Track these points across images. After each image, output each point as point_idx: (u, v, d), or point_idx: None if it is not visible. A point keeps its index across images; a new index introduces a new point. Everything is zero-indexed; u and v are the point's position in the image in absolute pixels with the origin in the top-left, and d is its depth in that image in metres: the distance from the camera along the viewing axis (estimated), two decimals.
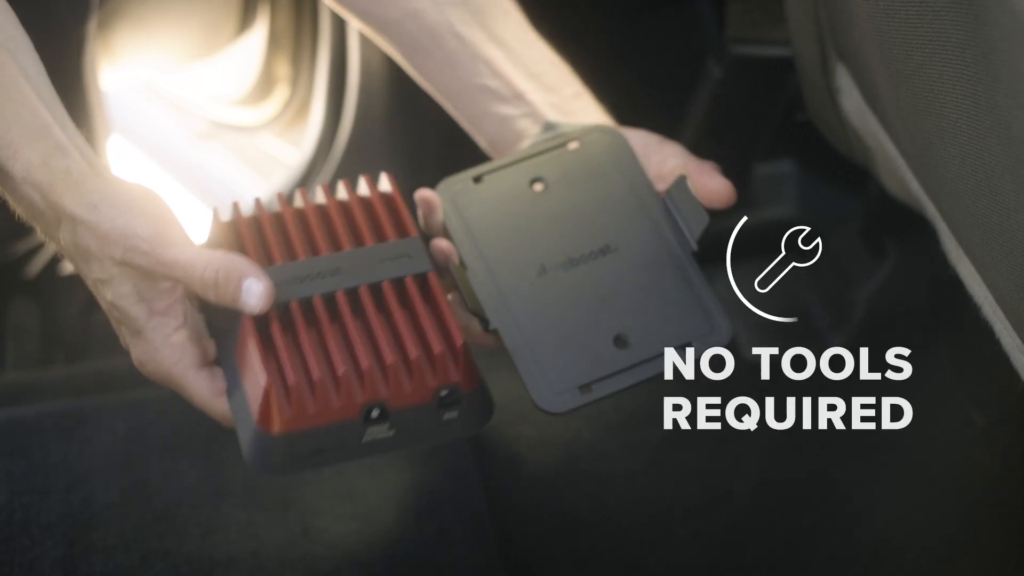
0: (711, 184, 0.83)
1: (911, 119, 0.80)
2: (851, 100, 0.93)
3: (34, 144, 0.73)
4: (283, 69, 1.48)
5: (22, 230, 1.30)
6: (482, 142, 0.91)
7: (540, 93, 0.88)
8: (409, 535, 1.03)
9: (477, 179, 0.85)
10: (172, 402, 1.12)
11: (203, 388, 0.76)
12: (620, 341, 0.78)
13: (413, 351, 0.74)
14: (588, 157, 0.86)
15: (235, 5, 1.44)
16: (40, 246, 1.31)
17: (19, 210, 0.76)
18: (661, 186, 0.84)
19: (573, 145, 0.86)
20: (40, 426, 1.07)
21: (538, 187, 0.85)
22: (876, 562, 1.07)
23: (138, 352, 0.76)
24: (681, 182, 0.82)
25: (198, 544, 1.00)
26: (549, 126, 0.87)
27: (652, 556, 1.06)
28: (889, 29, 0.77)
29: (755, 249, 1.35)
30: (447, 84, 0.90)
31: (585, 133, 0.87)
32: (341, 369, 0.72)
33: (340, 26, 1.39)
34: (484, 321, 0.79)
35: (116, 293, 0.74)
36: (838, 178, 1.35)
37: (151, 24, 1.37)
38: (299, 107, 1.47)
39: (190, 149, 1.81)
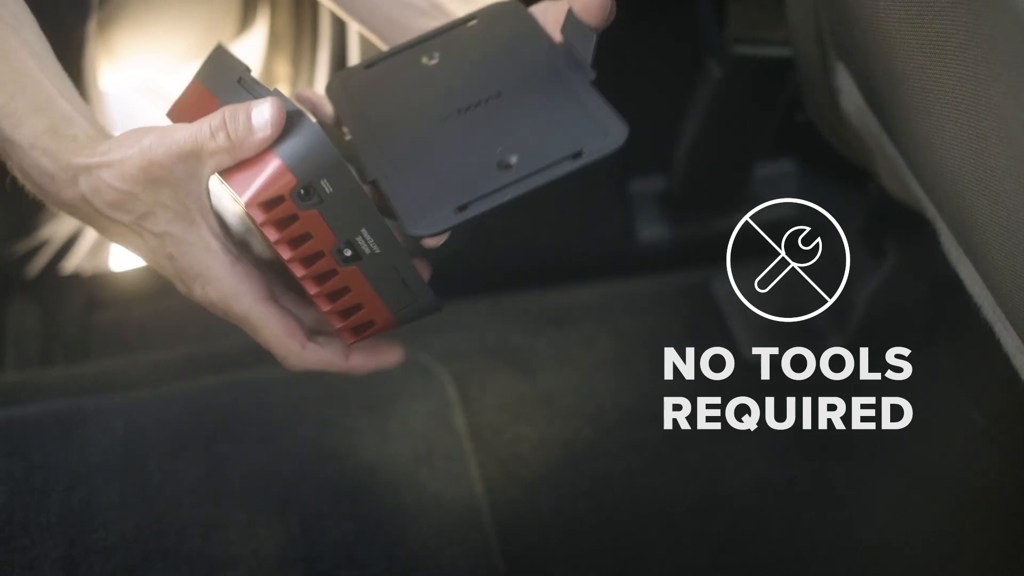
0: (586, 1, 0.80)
1: (911, 119, 0.80)
2: (851, 100, 0.93)
3: (39, 114, 0.72)
4: (283, 69, 1.48)
5: (22, 230, 1.30)
6: None
7: (458, 2, 0.87)
8: (409, 535, 1.03)
9: (368, 66, 0.84)
10: (172, 402, 1.12)
11: (278, 323, 0.75)
12: (503, 165, 0.74)
13: None
14: (485, 28, 0.84)
15: (235, 5, 1.44)
16: (40, 246, 1.31)
17: (27, 180, 0.74)
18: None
19: (471, 24, 0.84)
20: (40, 426, 1.07)
21: (432, 61, 0.83)
22: (876, 562, 1.07)
23: (204, 293, 0.74)
24: (568, 15, 0.80)
25: (198, 544, 1.00)
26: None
27: (652, 556, 1.06)
28: (889, 29, 0.77)
29: (755, 249, 1.35)
30: (366, 10, 0.88)
31: (483, 10, 0.85)
32: None
33: (340, 26, 1.39)
34: (362, 176, 0.77)
35: (165, 219, 0.72)
36: (838, 178, 1.35)
37: (151, 24, 1.37)
38: None
39: None
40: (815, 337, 1.23)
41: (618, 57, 1.34)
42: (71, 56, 1.11)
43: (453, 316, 1.23)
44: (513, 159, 0.73)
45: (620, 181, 1.38)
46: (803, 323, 1.25)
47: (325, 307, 0.73)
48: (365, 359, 0.77)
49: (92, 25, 1.11)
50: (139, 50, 1.37)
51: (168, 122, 0.76)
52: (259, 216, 0.69)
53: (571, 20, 0.80)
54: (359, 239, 0.71)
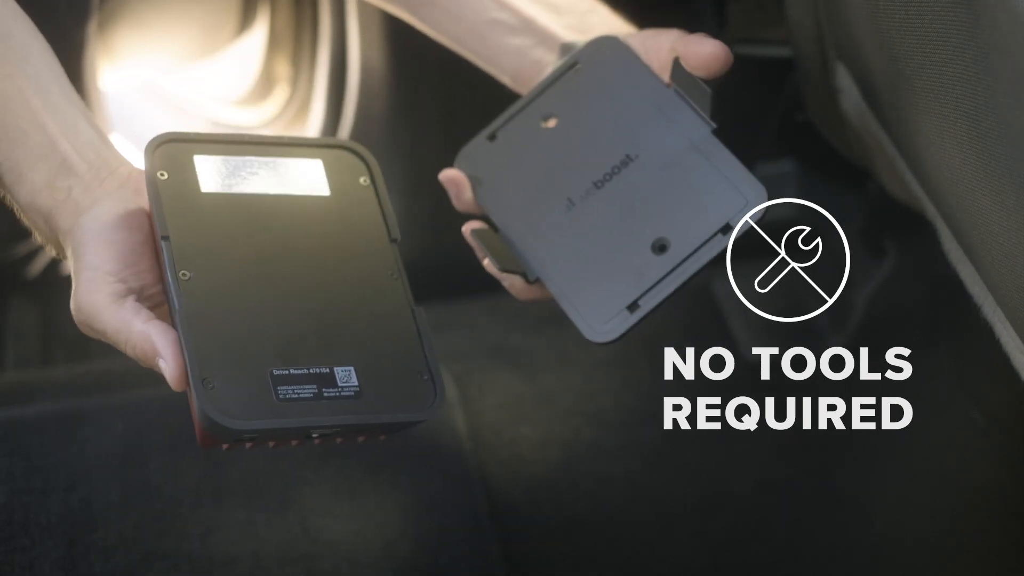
0: (702, 51, 0.79)
1: (911, 119, 0.80)
2: (851, 100, 0.92)
3: (38, 165, 0.73)
4: (283, 69, 1.48)
5: (23, 231, 1.30)
6: (506, 79, 0.89)
7: (550, 16, 0.86)
8: (409, 535, 1.03)
9: (491, 137, 0.84)
10: (172, 402, 1.12)
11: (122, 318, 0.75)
12: (658, 247, 0.76)
13: None
14: (592, 75, 0.83)
15: (235, 5, 1.44)
16: (40, 247, 1.31)
17: (27, 222, 0.76)
18: (667, 77, 0.82)
19: (576, 68, 0.84)
20: (40, 426, 1.07)
21: (550, 123, 0.82)
22: (876, 562, 1.07)
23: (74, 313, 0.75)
24: (676, 64, 0.80)
25: (198, 544, 1.00)
26: (566, 48, 0.85)
27: (652, 556, 1.06)
28: (889, 29, 0.77)
29: (755, 249, 1.35)
30: (456, 28, 0.88)
31: (585, 52, 0.84)
32: None
33: (340, 26, 1.39)
34: (524, 276, 0.78)
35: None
36: (838, 178, 1.34)
37: (151, 24, 1.37)
38: (299, 107, 1.47)
39: None
40: (815, 337, 1.23)
41: None
42: (71, 57, 1.11)
43: (453, 316, 1.23)
44: (667, 239, 0.75)
45: None
46: (803, 323, 1.25)
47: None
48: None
49: (92, 26, 1.11)
50: (139, 50, 1.37)
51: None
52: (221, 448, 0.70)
53: (679, 71, 0.80)
54: (315, 435, 0.71)
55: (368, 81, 1.37)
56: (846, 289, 1.22)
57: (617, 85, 0.82)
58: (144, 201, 0.73)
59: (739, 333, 1.23)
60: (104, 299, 0.72)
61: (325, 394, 0.68)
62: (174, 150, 0.74)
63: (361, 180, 0.76)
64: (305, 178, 0.75)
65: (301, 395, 0.68)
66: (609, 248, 0.76)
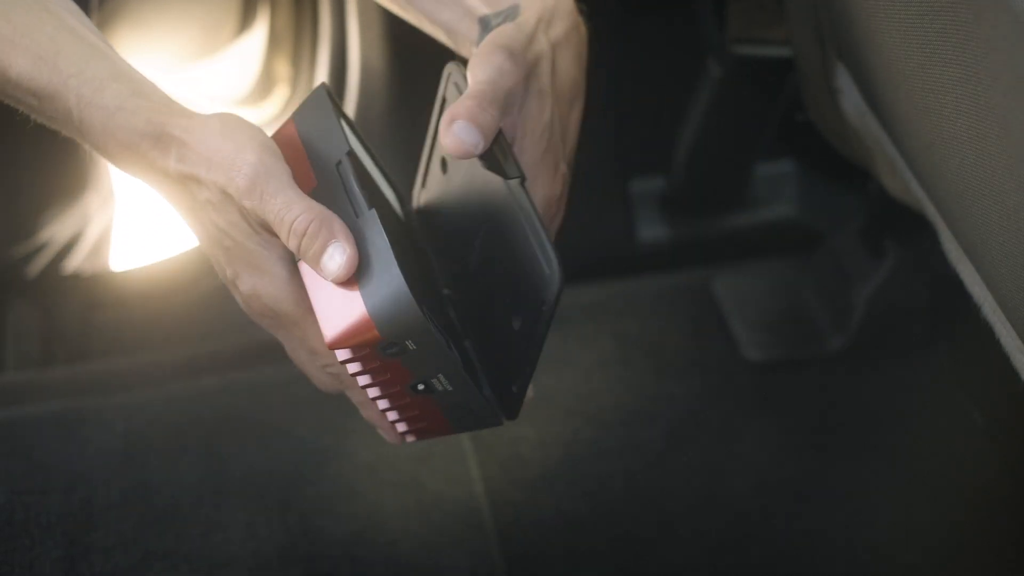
0: (444, 141, 0.75)
1: (911, 119, 0.80)
2: (851, 100, 0.93)
3: (119, 80, 0.70)
4: (283, 69, 1.48)
5: (23, 231, 1.30)
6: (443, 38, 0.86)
7: None
8: (409, 535, 1.03)
9: (427, 174, 0.83)
10: (172, 402, 1.12)
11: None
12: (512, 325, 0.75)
13: None
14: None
15: (235, 5, 1.44)
16: (40, 248, 1.31)
17: (109, 143, 0.70)
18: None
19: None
20: (40, 426, 1.07)
21: (444, 173, 0.81)
22: (876, 562, 1.07)
23: (253, 285, 0.71)
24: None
25: (198, 544, 1.00)
26: (483, 21, 0.81)
27: (652, 556, 1.06)
28: (889, 29, 0.77)
29: (755, 249, 1.35)
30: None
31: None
32: None
33: (340, 26, 1.39)
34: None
35: (227, 219, 0.70)
36: (838, 178, 1.35)
37: (151, 24, 1.37)
38: None
39: None
40: (815, 337, 1.23)
41: (618, 57, 1.34)
42: None
43: None
44: (516, 323, 0.74)
45: (620, 181, 1.38)
46: (803, 323, 1.25)
47: (391, 417, 0.73)
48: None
49: None
50: (139, 50, 1.37)
51: None
52: (339, 354, 0.69)
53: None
54: (434, 380, 0.71)
55: (368, 81, 1.37)
56: (846, 289, 1.22)
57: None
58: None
59: (739, 333, 1.23)
60: (277, 174, 0.68)
61: (465, 347, 0.74)
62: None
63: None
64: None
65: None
66: (493, 332, 0.76)
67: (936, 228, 0.85)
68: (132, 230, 1.44)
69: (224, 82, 1.51)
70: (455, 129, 0.70)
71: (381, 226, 0.69)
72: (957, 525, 1.08)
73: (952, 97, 0.72)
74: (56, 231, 1.31)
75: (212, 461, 1.06)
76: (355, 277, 0.68)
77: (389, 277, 0.68)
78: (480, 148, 0.71)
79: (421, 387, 0.71)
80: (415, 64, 1.35)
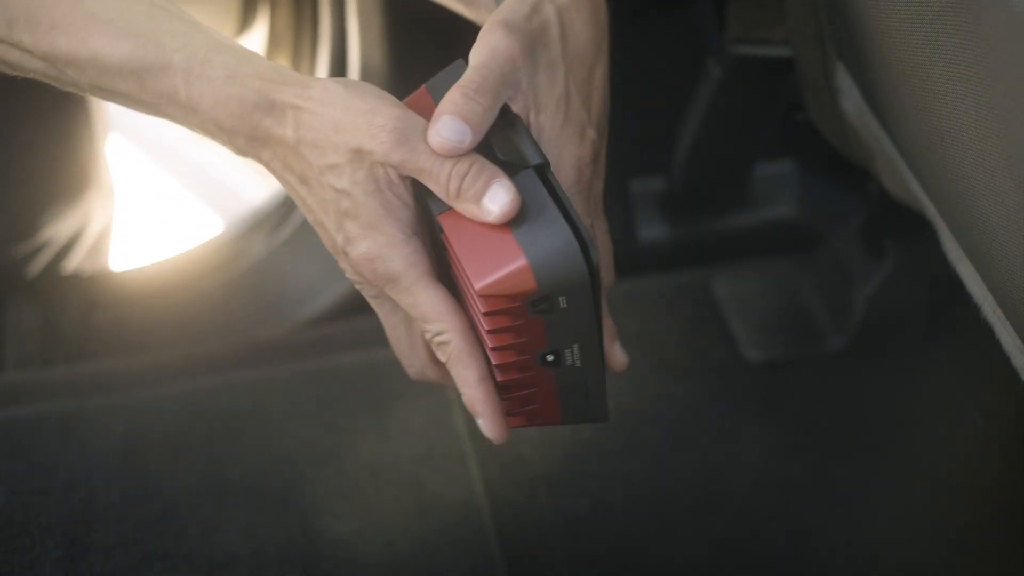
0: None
1: (911, 119, 0.80)
2: (851, 100, 0.93)
3: (217, 55, 0.68)
4: None
5: (23, 231, 1.30)
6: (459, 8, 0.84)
7: None
8: (409, 535, 1.03)
9: None
10: (172, 402, 1.12)
11: (438, 298, 0.70)
12: None
13: None
14: None
15: (235, 5, 1.44)
16: (40, 247, 1.31)
17: (219, 113, 0.68)
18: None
19: None
20: (40, 426, 1.07)
21: None
22: (876, 562, 1.07)
23: (368, 247, 0.69)
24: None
25: (198, 544, 1.00)
26: None
27: (652, 556, 1.06)
28: (889, 29, 0.77)
29: (755, 249, 1.35)
30: None
31: None
32: None
33: (340, 26, 1.39)
34: None
35: (351, 179, 0.68)
36: (838, 178, 1.35)
37: None
38: None
39: (190, 149, 1.81)
40: (815, 337, 1.23)
41: (618, 57, 1.34)
42: None
43: None
44: None
45: (620, 181, 1.38)
46: (803, 323, 1.25)
47: (505, 392, 0.70)
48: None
49: None
50: None
51: None
52: (486, 305, 0.66)
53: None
54: (567, 351, 0.69)
55: (368, 81, 1.37)
56: (846, 289, 1.22)
57: None
58: None
59: (739, 333, 1.23)
60: (423, 126, 0.67)
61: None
62: None
63: None
64: None
65: None
66: None
67: (936, 228, 0.85)
68: (132, 230, 1.44)
69: None
70: (437, 127, 0.67)
71: (540, 181, 0.67)
72: (957, 525, 1.08)
73: (952, 97, 0.72)
74: (56, 231, 1.31)
75: (212, 461, 1.06)
76: (511, 227, 0.66)
77: (552, 228, 0.65)
78: (468, 142, 0.68)
79: (551, 358, 0.68)
80: (415, 64, 1.35)
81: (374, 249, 0.69)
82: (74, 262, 1.35)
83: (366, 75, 1.37)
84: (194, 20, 0.70)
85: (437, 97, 0.70)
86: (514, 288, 0.65)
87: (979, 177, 0.72)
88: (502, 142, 0.69)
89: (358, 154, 0.67)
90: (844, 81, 0.92)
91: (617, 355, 0.74)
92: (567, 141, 0.74)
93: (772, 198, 1.39)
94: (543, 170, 0.69)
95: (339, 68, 1.39)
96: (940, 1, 0.69)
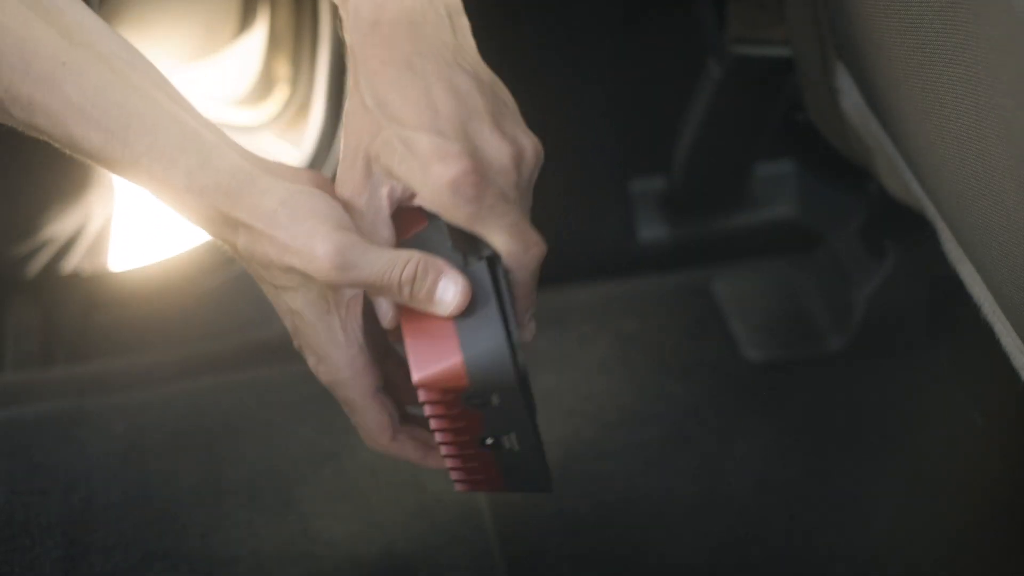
0: None
1: (911, 119, 0.80)
2: (851, 100, 0.93)
3: (185, 148, 0.69)
4: (283, 69, 1.48)
5: (23, 230, 1.30)
6: None
7: None
8: (409, 535, 1.03)
9: None
10: (172, 402, 1.12)
11: (374, 419, 0.75)
12: None
13: None
14: None
15: (235, 5, 1.44)
16: (40, 247, 1.31)
17: (186, 217, 0.71)
18: None
19: None
20: (40, 426, 1.07)
21: None
22: (876, 562, 1.07)
23: (315, 362, 0.74)
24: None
25: (198, 544, 1.00)
26: None
27: (652, 556, 1.06)
28: (889, 29, 0.77)
29: (755, 249, 1.35)
30: None
31: None
32: None
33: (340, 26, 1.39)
34: None
35: (303, 301, 0.71)
36: (838, 178, 1.35)
37: (151, 24, 1.37)
38: (299, 107, 1.47)
39: None
40: (815, 337, 1.23)
41: (618, 57, 1.34)
42: None
43: None
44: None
45: (620, 181, 1.38)
46: (803, 323, 1.25)
47: (450, 464, 0.74)
48: (441, 461, 0.77)
49: None
50: (139, 50, 1.37)
51: None
52: (423, 395, 0.70)
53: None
54: (504, 438, 0.72)
55: None
56: (846, 289, 1.22)
57: None
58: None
59: (739, 333, 1.23)
60: (357, 242, 0.68)
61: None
62: None
63: None
64: None
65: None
66: None
67: (936, 228, 0.85)
68: (132, 230, 1.44)
69: (224, 82, 1.51)
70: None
71: (489, 276, 0.69)
72: (957, 525, 1.08)
73: (952, 97, 0.72)
74: (56, 230, 1.31)
75: (212, 461, 1.06)
76: (455, 320, 0.69)
77: (490, 328, 0.68)
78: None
79: (490, 442, 0.71)
80: None
81: (322, 371, 0.74)
82: (74, 262, 1.35)
83: None
84: (167, 103, 0.71)
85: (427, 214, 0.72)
86: (448, 383, 0.69)
87: (979, 177, 0.72)
88: (455, 231, 0.71)
89: (305, 277, 0.69)
90: (844, 81, 0.92)
91: (530, 328, 0.75)
92: (420, 172, 0.72)
93: (772, 198, 1.39)
94: (493, 263, 0.70)
95: (339, 68, 1.39)
96: (940, 1, 0.69)
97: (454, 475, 0.75)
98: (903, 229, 1.15)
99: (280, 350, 1.22)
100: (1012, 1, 0.63)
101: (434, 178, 0.69)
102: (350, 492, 1.05)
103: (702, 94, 1.27)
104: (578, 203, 1.39)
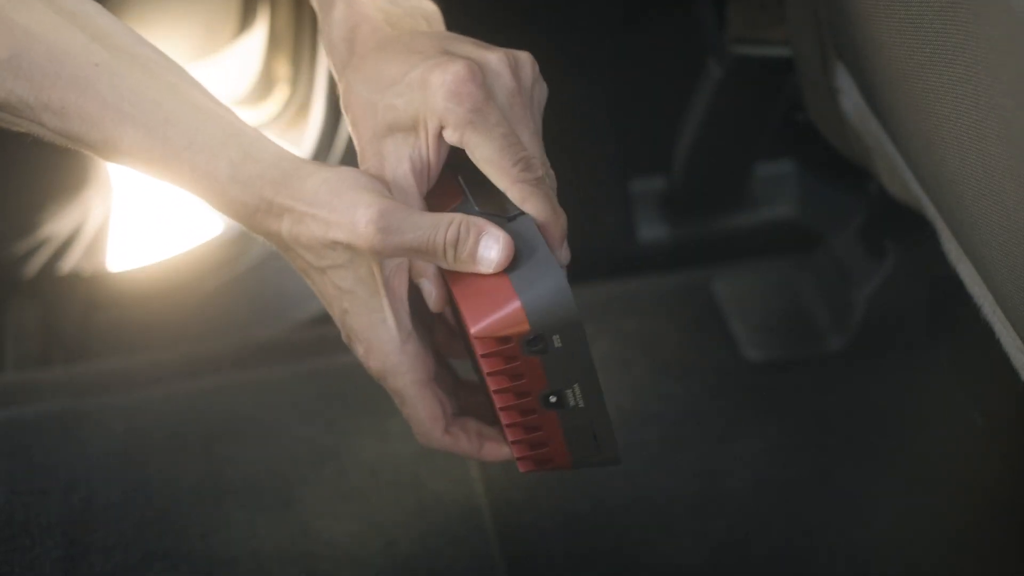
0: None
1: (911, 119, 0.80)
2: (851, 100, 0.93)
3: (230, 143, 0.69)
4: (283, 69, 1.48)
5: (22, 230, 1.30)
6: None
7: None
8: (409, 535, 1.03)
9: None
10: (172, 402, 1.12)
11: (426, 409, 0.74)
12: None
13: None
14: None
15: (235, 5, 1.44)
16: (40, 247, 1.31)
17: (226, 211, 0.71)
18: None
19: None
20: (40, 426, 1.07)
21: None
22: (876, 562, 1.07)
23: (364, 350, 0.73)
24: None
25: (198, 544, 1.00)
26: None
27: (652, 556, 1.06)
28: (889, 29, 0.77)
29: (755, 249, 1.35)
30: None
31: None
32: None
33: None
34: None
35: (354, 278, 0.70)
36: (838, 178, 1.35)
37: (151, 24, 1.37)
38: (299, 107, 1.47)
39: None
40: (815, 337, 1.23)
41: (618, 57, 1.34)
42: None
43: None
44: None
45: (620, 181, 1.38)
46: (803, 323, 1.25)
47: (512, 436, 0.72)
48: (498, 450, 0.76)
49: None
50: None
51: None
52: (481, 348, 0.69)
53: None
54: (568, 392, 0.71)
55: None
56: (846, 289, 1.22)
57: None
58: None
59: (739, 333, 1.23)
60: (399, 207, 0.68)
61: None
62: None
63: None
64: None
65: None
66: None
67: (936, 228, 0.85)
68: (132, 230, 1.44)
69: (224, 82, 1.51)
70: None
71: (535, 227, 0.69)
72: (957, 525, 1.08)
73: (952, 97, 0.72)
74: (55, 230, 1.31)
75: (212, 461, 1.06)
76: (506, 273, 0.68)
77: (544, 270, 0.68)
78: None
79: (553, 399, 0.70)
80: None
81: (371, 353, 0.72)
82: (73, 261, 1.35)
83: None
84: (204, 100, 0.71)
85: (465, 179, 0.72)
86: (507, 329, 0.68)
87: (979, 177, 0.72)
88: (481, 196, 0.72)
89: (353, 251, 0.69)
90: (844, 81, 0.92)
91: (565, 251, 0.75)
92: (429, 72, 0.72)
93: (772, 198, 1.39)
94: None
95: None
96: (940, 1, 0.69)
97: (516, 450, 0.72)
98: (903, 229, 1.15)
99: (280, 350, 1.22)
100: (1012, 1, 0.63)
101: (432, 90, 0.70)
102: (350, 492, 1.05)
103: (702, 94, 1.27)
104: (578, 203, 1.39)
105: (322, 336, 1.23)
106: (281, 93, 1.49)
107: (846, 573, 1.07)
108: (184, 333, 1.34)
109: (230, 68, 1.49)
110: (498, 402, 0.71)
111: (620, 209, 1.37)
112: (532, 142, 0.72)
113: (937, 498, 1.10)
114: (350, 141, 1.39)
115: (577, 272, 1.39)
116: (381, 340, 0.72)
